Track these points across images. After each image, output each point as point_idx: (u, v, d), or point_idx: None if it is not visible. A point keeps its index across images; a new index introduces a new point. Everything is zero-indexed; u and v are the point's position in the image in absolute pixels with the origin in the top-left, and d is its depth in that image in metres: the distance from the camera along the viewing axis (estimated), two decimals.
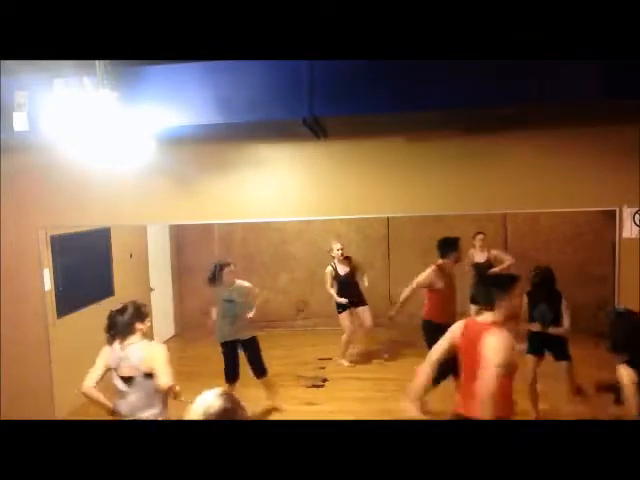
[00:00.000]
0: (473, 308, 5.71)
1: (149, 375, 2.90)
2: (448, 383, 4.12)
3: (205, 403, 1.77)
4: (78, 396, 3.02)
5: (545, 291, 4.20)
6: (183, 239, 7.77)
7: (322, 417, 4.67)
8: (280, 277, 7.74)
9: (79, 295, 5.20)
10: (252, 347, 4.86)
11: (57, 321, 4.78)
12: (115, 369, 2.97)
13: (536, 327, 4.21)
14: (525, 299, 4.16)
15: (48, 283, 4.40)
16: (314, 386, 5.62)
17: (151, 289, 6.78)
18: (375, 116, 3.17)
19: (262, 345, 4.97)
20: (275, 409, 4.95)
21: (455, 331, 2.82)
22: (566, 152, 3.59)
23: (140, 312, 3.05)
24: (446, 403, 4.75)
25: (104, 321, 3.04)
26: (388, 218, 6.99)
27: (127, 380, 2.95)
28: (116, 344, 2.98)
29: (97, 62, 2.57)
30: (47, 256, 4.50)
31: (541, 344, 4.31)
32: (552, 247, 7.04)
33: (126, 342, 2.97)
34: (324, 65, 2.94)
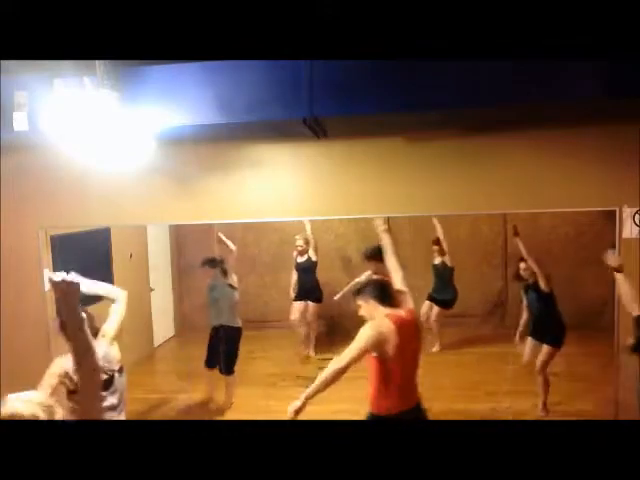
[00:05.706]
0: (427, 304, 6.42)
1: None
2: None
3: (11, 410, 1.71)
4: None
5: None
6: (183, 239, 7.76)
7: (322, 417, 4.66)
8: (280, 277, 7.73)
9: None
10: (231, 339, 4.85)
11: None
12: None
13: None
14: None
15: (48, 283, 4.40)
16: None
17: (151, 289, 6.78)
18: (375, 116, 3.17)
19: (262, 345, 4.95)
20: (221, 410, 4.82)
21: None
22: (566, 152, 3.58)
23: None
24: (444, 402, 4.75)
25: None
26: (388, 218, 6.98)
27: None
28: None
29: (97, 62, 2.57)
30: (47, 256, 4.49)
31: None
32: (552, 247, 7.03)
33: None
34: (324, 65, 2.93)
